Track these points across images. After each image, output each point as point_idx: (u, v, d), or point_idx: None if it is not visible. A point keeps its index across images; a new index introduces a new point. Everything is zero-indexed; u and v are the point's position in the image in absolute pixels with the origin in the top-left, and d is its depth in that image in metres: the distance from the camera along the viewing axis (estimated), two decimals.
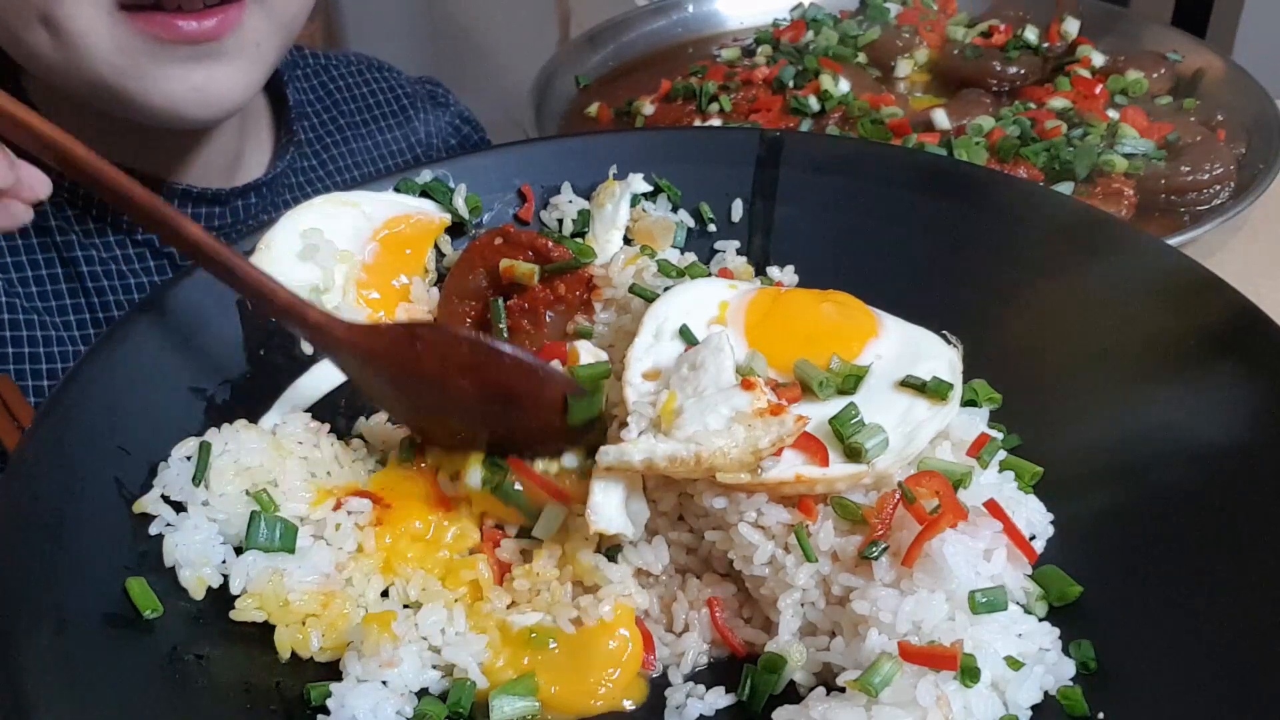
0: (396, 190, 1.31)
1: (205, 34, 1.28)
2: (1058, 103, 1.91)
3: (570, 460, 1.05)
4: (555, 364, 1.06)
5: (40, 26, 1.27)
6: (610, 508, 0.96)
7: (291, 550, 0.99)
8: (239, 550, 1.00)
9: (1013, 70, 2.05)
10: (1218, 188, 1.71)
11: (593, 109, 2.02)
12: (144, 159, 1.50)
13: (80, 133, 1.44)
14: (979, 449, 1.01)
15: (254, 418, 1.10)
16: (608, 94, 2.06)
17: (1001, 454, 1.04)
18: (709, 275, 1.22)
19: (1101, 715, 0.86)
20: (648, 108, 1.98)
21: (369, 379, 1.08)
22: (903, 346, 1.06)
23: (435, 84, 2.06)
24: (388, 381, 1.06)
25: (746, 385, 0.97)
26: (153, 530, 0.98)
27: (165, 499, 0.99)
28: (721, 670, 0.98)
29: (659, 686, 0.96)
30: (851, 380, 1.01)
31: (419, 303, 1.24)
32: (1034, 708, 0.87)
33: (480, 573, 1.00)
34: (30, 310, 1.43)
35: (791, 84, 1.99)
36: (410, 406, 1.08)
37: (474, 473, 1.04)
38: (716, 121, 1.95)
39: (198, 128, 1.47)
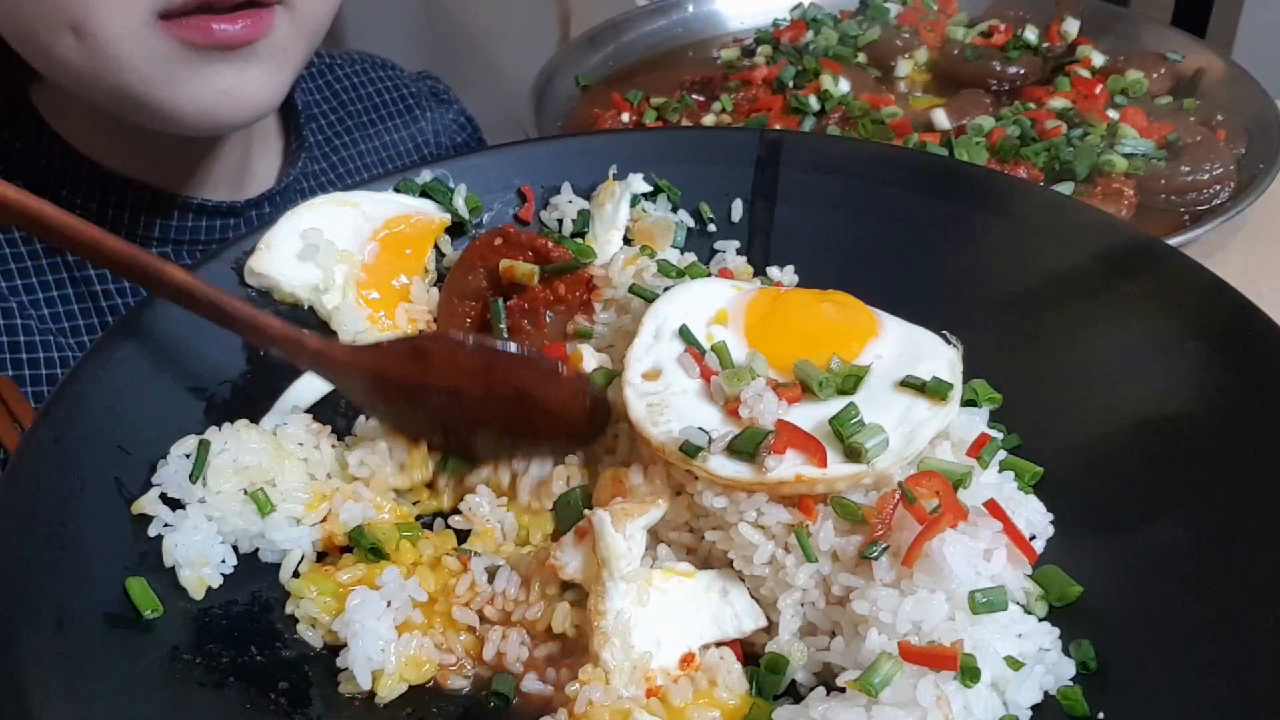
0: (396, 190, 1.31)
1: (238, 38, 1.28)
2: (1058, 103, 1.91)
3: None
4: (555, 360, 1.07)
5: (69, 34, 1.25)
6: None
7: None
8: (236, 549, 1.00)
9: (1013, 70, 2.06)
10: (1218, 188, 1.71)
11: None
12: (156, 172, 1.49)
13: (92, 145, 1.46)
14: (979, 449, 1.01)
15: (254, 418, 1.09)
16: (607, 95, 2.06)
17: (1001, 454, 1.04)
18: (709, 275, 1.22)
19: (1101, 715, 0.86)
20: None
21: (376, 400, 1.09)
22: (903, 346, 1.06)
23: (436, 80, 2.06)
24: (398, 397, 1.07)
25: None
26: (152, 531, 0.98)
27: (163, 497, 0.99)
28: None
29: None
30: (851, 380, 1.01)
31: (419, 303, 1.23)
32: (1034, 708, 0.87)
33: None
34: (45, 331, 1.42)
35: (791, 84, 1.99)
36: (424, 419, 1.08)
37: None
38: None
39: (222, 133, 1.46)
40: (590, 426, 1.07)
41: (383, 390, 1.07)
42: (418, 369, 1.03)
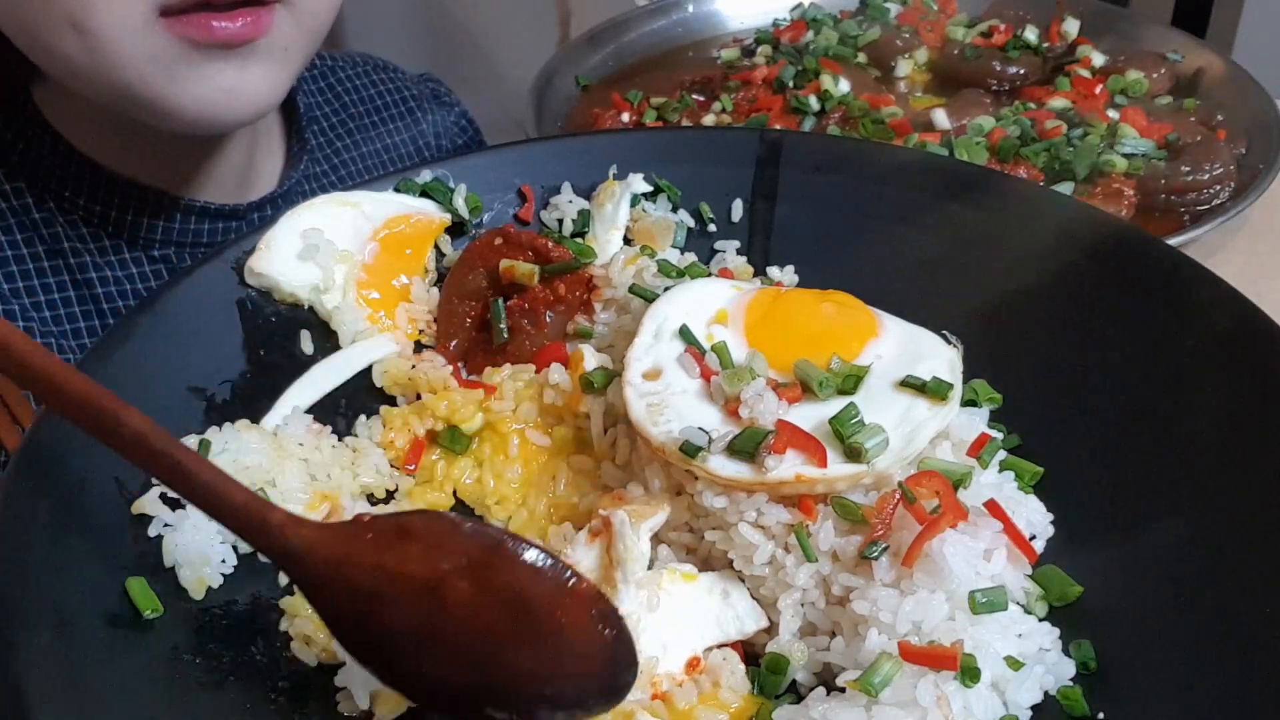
0: (396, 190, 1.31)
1: (238, 35, 1.27)
2: (1058, 103, 1.91)
3: None
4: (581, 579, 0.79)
5: (69, 31, 1.24)
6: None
7: None
8: (236, 549, 1.00)
9: (1013, 70, 2.05)
10: (1218, 188, 1.71)
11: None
12: (159, 174, 1.49)
13: (95, 146, 1.46)
14: (979, 449, 1.01)
15: (255, 418, 1.09)
16: (607, 95, 2.06)
17: (1001, 454, 1.04)
18: (709, 275, 1.22)
19: (1101, 715, 0.86)
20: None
21: (341, 606, 0.82)
22: (903, 346, 1.06)
23: (437, 82, 2.06)
24: (362, 599, 0.80)
25: None
26: (151, 531, 0.98)
27: (163, 497, 0.99)
28: None
29: None
30: (851, 380, 1.01)
31: (419, 303, 1.24)
32: (1034, 708, 0.87)
33: None
34: (46, 333, 1.42)
35: (791, 84, 1.99)
36: (390, 642, 0.81)
37: None
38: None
39: (223, 132, 1.46)
40: (605, 671, 0.80)
41: (346, 587, 0.81)
42: (396, 556, 0.79)
